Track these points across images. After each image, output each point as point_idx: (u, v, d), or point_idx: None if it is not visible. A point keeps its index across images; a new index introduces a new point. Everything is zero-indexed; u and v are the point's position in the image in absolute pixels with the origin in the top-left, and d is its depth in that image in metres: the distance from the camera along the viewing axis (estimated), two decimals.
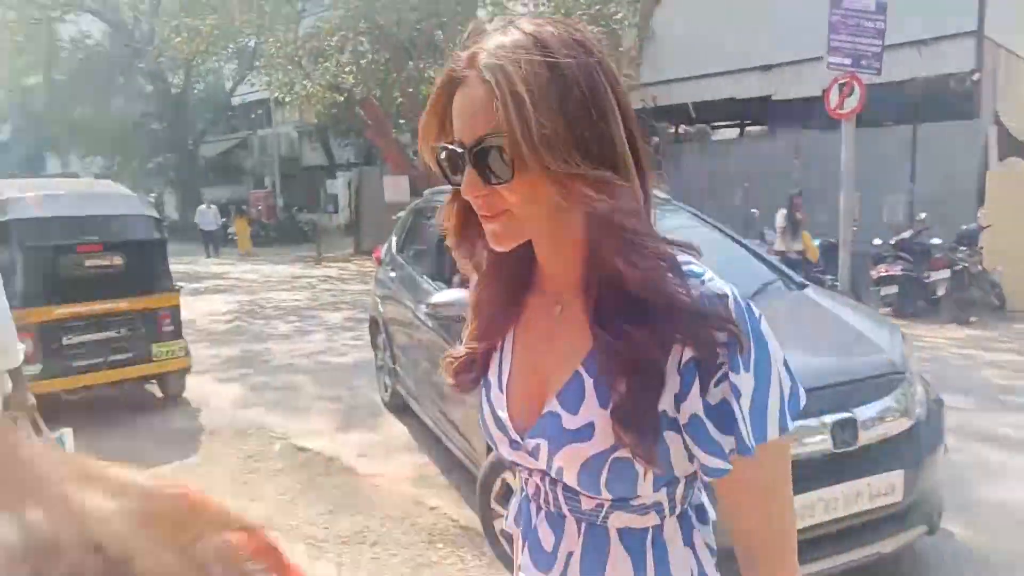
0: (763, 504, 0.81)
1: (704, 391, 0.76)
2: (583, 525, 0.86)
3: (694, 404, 0.77)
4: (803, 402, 0.81)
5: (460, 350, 0.93)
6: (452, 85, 0.78)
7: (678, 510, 0.86)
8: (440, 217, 0.89)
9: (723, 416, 0.76)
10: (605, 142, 0.75)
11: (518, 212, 0.78)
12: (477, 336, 0.92)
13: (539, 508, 0.91)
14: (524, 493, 0.94)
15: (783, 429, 0.78)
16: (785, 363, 0.79)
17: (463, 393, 0.94)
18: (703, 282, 0.78)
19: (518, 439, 0.88)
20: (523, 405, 0.88)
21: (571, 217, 0.79)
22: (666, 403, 0.78)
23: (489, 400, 0.92)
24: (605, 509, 0.84)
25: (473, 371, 0.93)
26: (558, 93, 0.72)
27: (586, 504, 0.85)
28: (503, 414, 0.89)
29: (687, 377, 0.77)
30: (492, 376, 0.92)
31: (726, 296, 0.78)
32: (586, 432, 0.80)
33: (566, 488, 0.85)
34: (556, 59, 0.73)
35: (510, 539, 2.58)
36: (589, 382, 0.81)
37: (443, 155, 0.80)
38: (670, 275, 0.76)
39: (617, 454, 0.79)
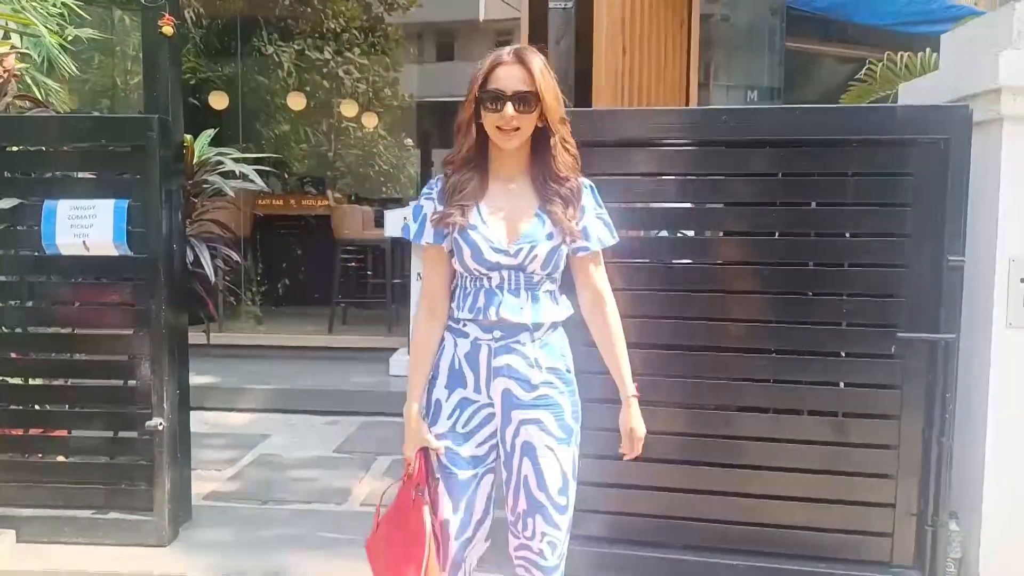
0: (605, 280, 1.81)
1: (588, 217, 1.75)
2: (530, 292, 1.69)
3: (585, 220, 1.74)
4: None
5: (451, 209, 1.67)
6: (496, 65, 1.63)
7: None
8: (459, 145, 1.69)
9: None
10: (561, 105, 1.69)
11: (523, 130, 1.63)
12: (459, 202, 1.66)
13: (500, 290, 1.68)
14: (486, 287, 1.69)
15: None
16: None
17: (459, 219, 1.66)
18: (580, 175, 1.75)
19: (506, 249, 1.65)
20: (506, 231, 1.67)
21: (528, 134, 1.66)
22: (574, 220, 1.71)
23: (477, 233, 1.65)
24: (542, 279, 1.70)
25: (461, 218, 1.66)
26: (555, 84, 1.66)
27: (536, 279, 1.69)
28: (496, 235, 1.66)
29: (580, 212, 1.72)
30: (474, 221, 1.66)
31: (588, 183, 1.77)
32: (549, 235, 1.67)
33: (526, 274, 1.67)
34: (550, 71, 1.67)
35: None
36: (543, 216, 1.68)
37: (490, 96, 1.61)
38: (575, 164, 1.72)
39: (559, 246, 1.68)
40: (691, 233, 2.69)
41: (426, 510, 1.69)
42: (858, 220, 2.40)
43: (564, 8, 2.55)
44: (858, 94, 5.07)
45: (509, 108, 1.59)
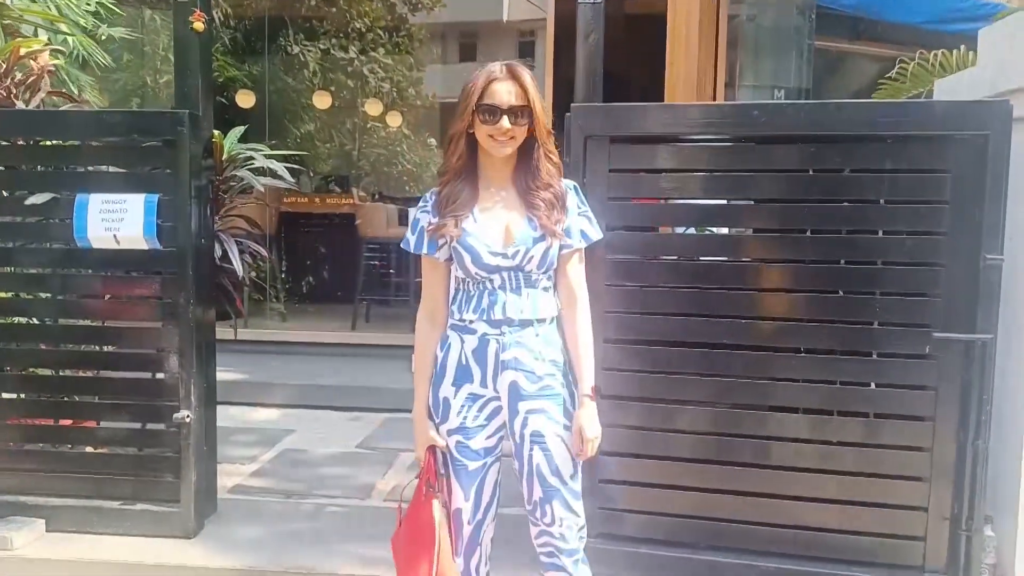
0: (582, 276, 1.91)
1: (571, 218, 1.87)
2: (530, 290, 1.81)
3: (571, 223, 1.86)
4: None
5: (445, 220, 1.79)
6: (490, 80, 1.74)
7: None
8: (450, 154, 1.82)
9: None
10: (549, 117, 1.81)
11: (517, 138, 1.76)
12: (453, 212, 1.78)
13: (503, 290, 1.79)
14: (489, 288, 1.80)
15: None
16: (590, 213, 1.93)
17: (453, 231, 1.79)
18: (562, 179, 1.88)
19: (503, 251, 1.77)
20: (502, 236, 1.78)
21: (520, 142, 1.78)
22: (559, 223, 1.82)
23: (474, 239, 1.77)
24: (539, 277, 1.81)
25: (455, 229, 1.78)
26: (542, 97, 1.78)
27: (534, 277, 1.81)
28: (492, 239, 1.77)
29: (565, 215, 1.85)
30: (470, 229, 1.78)
31: (572, 184, 1.91)
32: (541, 237, 1.78)
33: (524, 273, 1.79)
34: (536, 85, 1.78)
35: None
36: (534, 220, 1.79)
37: (486, 110, 1.73)
38: (556, 171, 1.84)
39: (550, 246, 1.79)
40: (719, 230, 2.66)
41: (436, 504, 1.78)
42: (892, 217, 2.36)
43: (593, 3, 2.53)
44: (890, 93, 4.96)
45: (505, 121, 1.72)
